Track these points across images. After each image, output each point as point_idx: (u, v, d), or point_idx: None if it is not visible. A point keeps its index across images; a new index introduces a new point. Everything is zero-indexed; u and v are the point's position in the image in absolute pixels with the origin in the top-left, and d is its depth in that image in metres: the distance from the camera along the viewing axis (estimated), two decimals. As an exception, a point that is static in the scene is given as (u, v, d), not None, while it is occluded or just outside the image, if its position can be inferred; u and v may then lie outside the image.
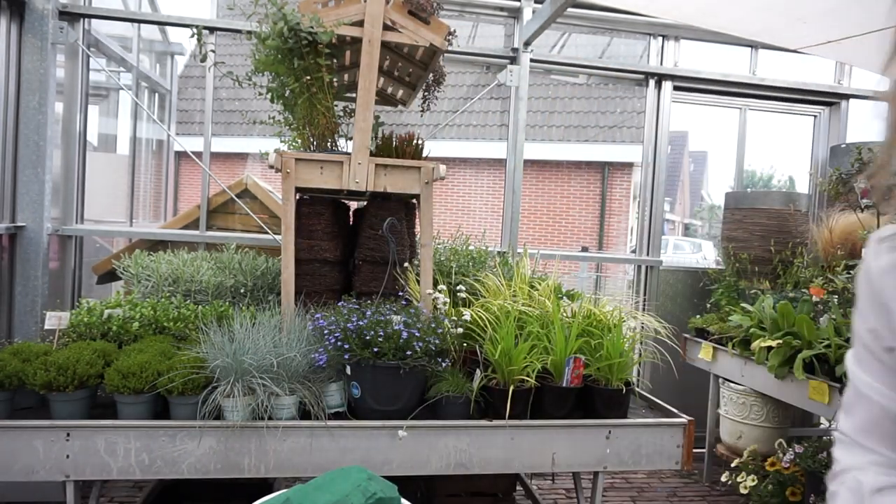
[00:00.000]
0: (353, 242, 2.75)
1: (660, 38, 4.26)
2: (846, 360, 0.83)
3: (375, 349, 2.07)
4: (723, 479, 3.53)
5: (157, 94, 4.82)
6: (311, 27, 2.30)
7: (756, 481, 3.30)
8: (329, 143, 2.62)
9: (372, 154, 2.48)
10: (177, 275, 2.75)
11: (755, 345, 3.24)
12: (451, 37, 2.51)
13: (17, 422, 2.00)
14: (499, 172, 9.88)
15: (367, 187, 2.42)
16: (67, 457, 2.00)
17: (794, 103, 4.59)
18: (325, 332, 2.13)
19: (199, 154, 3.65)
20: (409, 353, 2.08)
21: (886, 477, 0.75)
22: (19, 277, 3.27)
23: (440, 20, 2.49)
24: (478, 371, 2.24)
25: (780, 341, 3.10)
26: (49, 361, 2.04)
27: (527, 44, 3.83)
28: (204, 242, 3.59)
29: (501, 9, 4.00)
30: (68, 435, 2.00)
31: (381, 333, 2.09)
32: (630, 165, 10.25)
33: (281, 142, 2.99)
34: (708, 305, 4.22)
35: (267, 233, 3.55)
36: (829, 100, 4.57)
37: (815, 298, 3.26)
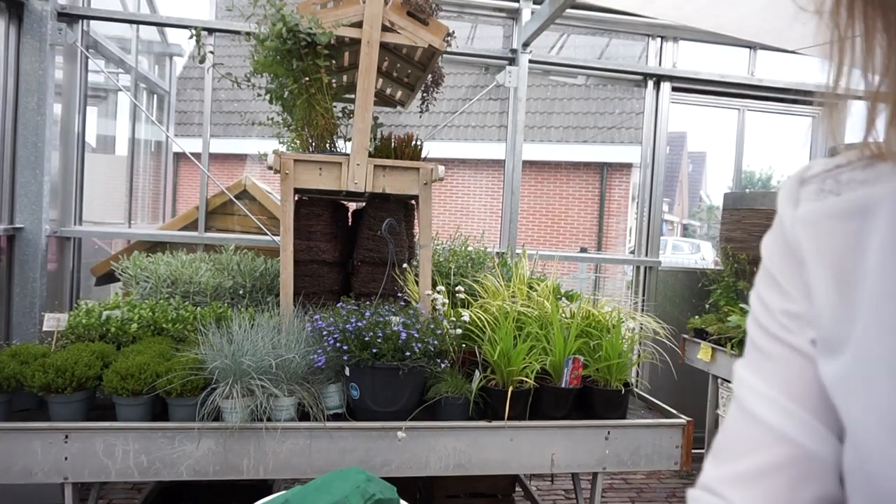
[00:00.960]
0: (352, 243, 2.75)
1: (658, 39, 4.26)
2: (734, 373, 0.55)
3: (374, 350, 2.07)
4: (722, 479, 3.53)
5: (155, 96, 4.82)
6: (310, 28, 2.30)
7: (755, 482, 3.29)
8: (328, 145, 2.62)
9: (371, 155, 2.48)
10: (175, 276, 2.74)
11: (754, 345, 3.24)
12: (449, 38, 2.51)
13: (16, 424, 2.00)
14: (497, 173, 9.87)
15: (365, 188, 2.42)
16: (66, 459, 2.00)
17: (792, 104, 4.60)
18: (324, 333, 2.13)
19: (197, 155, 3.65)
20: (407, 353, 2.07)
21: None
22: (17, 279, 3.26)
23: (439, 21, 2.49)
24: (477, 372, 2.24)
25: (779, 342, 3.11)
26: (47, 363, 2.03)
27: (525, 45, 3.83)
28: (203, 244, 3.59)
29: (500, 10, 4.00)
30: (66, 437, 2.00)
31: (380, 334, 2.09)
32: (629, 166, 10.25)
33: (279, 143, 2.99)
34: (707, 306, 4.22)
35: (266, 234, 3.55)
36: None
37: (813, 299, 3.26)
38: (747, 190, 6.67)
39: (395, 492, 1.08)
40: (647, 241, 4.31)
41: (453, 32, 2.55)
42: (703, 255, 12.17)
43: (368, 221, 2.62)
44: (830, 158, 0.52)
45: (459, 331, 2.30)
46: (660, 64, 4.26)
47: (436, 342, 2.15)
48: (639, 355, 2.72)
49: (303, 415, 2.13)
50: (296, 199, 2.65)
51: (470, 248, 3.06)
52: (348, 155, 2.43)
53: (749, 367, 0.54)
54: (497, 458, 2.23)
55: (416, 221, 2.92)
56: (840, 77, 0.47)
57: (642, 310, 2.75)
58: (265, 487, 2.58)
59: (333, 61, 2.48)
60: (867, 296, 0.45)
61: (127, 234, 3.87)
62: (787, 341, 0.51)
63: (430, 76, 2.90)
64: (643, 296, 4.23)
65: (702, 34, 4.17)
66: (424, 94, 3.00)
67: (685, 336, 4.00)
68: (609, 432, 2.31)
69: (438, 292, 2.42)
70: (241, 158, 10.41)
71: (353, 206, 3.08)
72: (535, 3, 3.90)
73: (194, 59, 2.72)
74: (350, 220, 2.95)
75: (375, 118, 2.87)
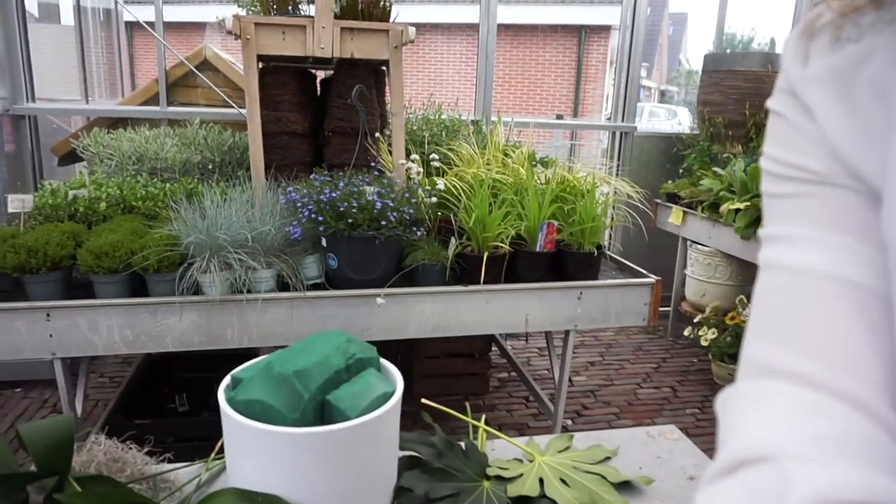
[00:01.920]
0: (322, 114, 2.66)
1: None
2: (761, 237, 0.46)
3: (350, 220, 2.07)
4: (685, 333, 3.75)
5: (96, -45, 4.40)
6: None
7: (716, 334, 3.51)
8: (290, 7, 2.45)
9: (336, 17, 2.34)
10: (140, 153, 2.65)
11: (724, 207, 3.31)
12: None
13: (-5, 304, 2.00)
14: (471, 38, 9.43)
15: (332, 53, 2.30)
16: (51, 336, 2.03)
17: (779, -46, 4.36)
18: (298, 205, 2.12)
19: (151, 24, 3.40)
20: (383, 223, 2.08)
21: (859, 474, 0.31)
22: (-26, 161, 3.14)
23: None
24: (453, 239, 2.27)
25: (748, 203, 3.18)
26: (18, 244, 2.00)
27: None
28: (166, 119, 3.45)
29: None
30: (48, 315, 2.02)
31: (355, 205, 2.08)
32: (607, 29, 9.86)
33: (239, 7, 2.78)
34: (680, 171, 4.25)
35: (231, 106, 3.41)
36: (816, -50, 4.34)
37: (784, 160, 3.29)
38: (727, 51, 6.50)
39: (376, 351, 1.12)
40: (623, 106, 4.24)
41: None
42: (680, 120, 12.08)
43: (338, 89, 2.52)
44: (848, 1, 0.42)
45: (435, 199, 2.29)
46: None
47: (411, 211, 2.16)
48: (612, 219, 2.77)
49: (282, 286, 2.16)
50: (260, 67, 2.52)
51: (444, 116, 2.98)
52: (312, 17, 2.28)
53: (782, 223, 0.44)
54: (474, 320, 2.32)
55: (387, 89, 2.82)
56: None
57: (617, 175, 2.76)
58: (253, 356, 2.68)
59: None
60: None
61: (85, 110, 3.69)
62: (828, 181, 0.42)
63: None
64: (618, 161, 4.23)
65: None
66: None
67: (658, 201, 4.07)
68: (581, 293, 2.40)
69: (413, 161, 2.38)
70: (199, 27, 9.78)
71: (321, 74, 2.95)
72: None
73: None
74: (319, 91, 2.84)
75: (338, -25, 2.66)
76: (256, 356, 1.12)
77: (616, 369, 3.77)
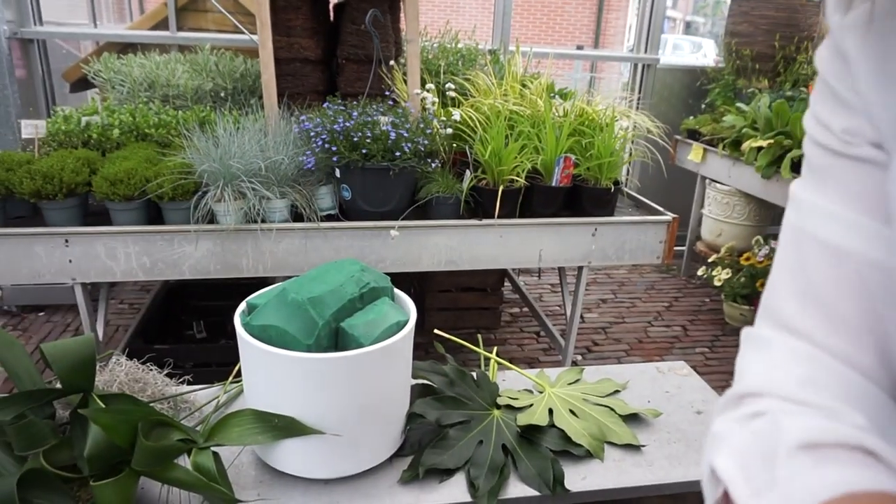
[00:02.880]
0: (335, 40, 2.59)
1: None
2: (790, 195, 0.49)
3: (364, 151, 2.04)
4: (699, 273, 3.74)
5: None
6: None
7: (730, 274, 3.50)
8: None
9: (349, -64, 2.23)
10: (151, 79, 2.61)
11: (746, 145, 3.23)
12: None
13: (15, 230, 2.02)
14: (490, -36, 9.05)
15: (345, -25, 2.21)
16: (70, 261, 2.06)
17: None
18: (312, 134, 2.09)
19: (157, -59, 3.28)
20: (398, 154, 2.05)
21: (830, 424, 0.39)
22: (-14, 86, 3.11)
23: None
24: (467, 172, 2.24)
25: (772, 141, 3.09)
26: (33, 170, 2.01)
27: None
28: (176, 45, 3.38)
29: None
30: (67, 241, 2.04)
31: (369, 135, 2.05)
32: (634, -46, 9.38)
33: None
34: (703, 106, 4.13)
35: (242, 32, 3.32)
36: None
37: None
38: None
39: (389, 281, 1.12)
40: (647, 37, 4.08)
41: None
42: (705, 53, 11.64)
43: (351, 14, 2.44)
44: None
45: (450, 130, 2.25)
46: None
47: (426, 142, 2.12)
48: (630, 154, 2.71)
49: (296, 216, 2.16)
50: (270, -10, 2.43)
51: (460, 45, 2.89)
52: (324, -65, 2.18)
53: (809, 188, 0.47)
54: (487, 254, 2.32)
55: (401, 15, 2.72)
56: None
57: (637, 109, 2.68)
58: (267, 286, 2.72)
59: None
60: None
61: (93, 34, 3.61)
62: (850, 154, 0.45)
63: None
64: (639, 94, 4.12)
65: None
66: None
67: (678, 137, 3.97)
68: (596, 229, 2.38)
69: (428, 91, 2.33)
70: (207, -51, 9.43)
71: (333, 0, 2.85)
72: None
73: None
74: (332, 16, 2.75)
75: None
76: (269, 284, 1.13)
77: (628, 307, 3.79)
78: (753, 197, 3.60)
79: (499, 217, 2.23)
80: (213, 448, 0.88)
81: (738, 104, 3.62)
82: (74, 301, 2.19)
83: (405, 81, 2.40)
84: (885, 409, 0.43)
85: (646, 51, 4.10)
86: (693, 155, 3.79)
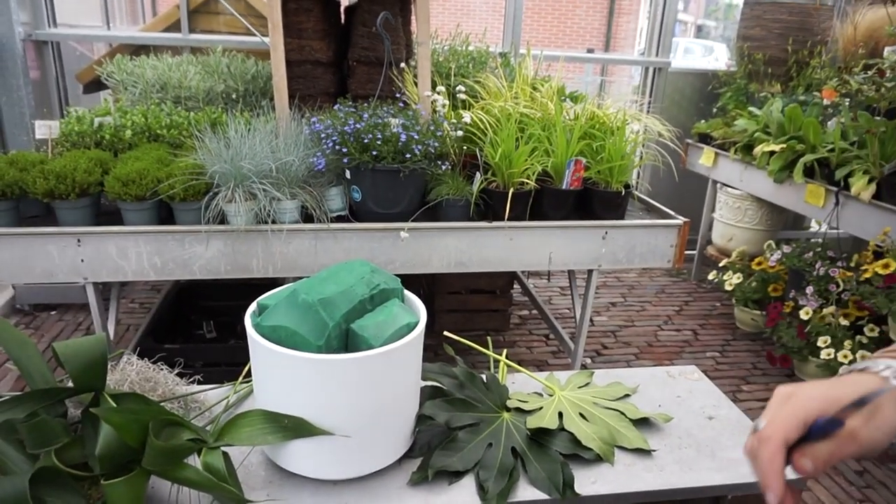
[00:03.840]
0: (346, 43, 2.60)
1: None
2: None
3: (374, 153, 2.05)
4: (710, 277, 3.72)
5: None
6: None
7: (741, 279, 3.47)
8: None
9: (361, -62, 2.24)
10: (164, 80, 2.63)
11: (758, 149, 3.21)
12: None
13: (28, 229, 2.04)
14: (501, -33, 9.05)
15: (357, -22, 2.22)
16: (82, 261, 2.08)
17: None
18: (322, 136, 2.09)
19: (170, -56, 3.30)
20: (408, 156, 2.05)
21: None
22: (1, 89, 3.14)
23: None
24: (478, 174, 2.24)
25: (784, 145, 3.07)
26: (47, 170, 2.02)
27: None
28: (188, 46, 3.40)
29: None
30: (79, 241, 2.05)
31: (380, 137, 2.05)
32: (645, -43, 9.35)
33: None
34: (714, 110, 4.11)
35: (254, 34, 3.34)
36: None
37: (825, 101, 3.16)
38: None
39: (399, 282, 1.12)
40: (658, 40, 4.07)
41: None
42: (717, 57, 11.57)
43: (362, 17, 2.45)
44: None
45: (460, 133, 2.25)
46: None
47: (436, 144, 2.12)
48: (641, 158, 2.70)
49: (306, 217, 2.17)
50: (282, -8, 2.44)
51: (471, 48, 2.89)
52: (336, -62, 2.19)
53: None
54: (497, 257, 2.31)
55: (412, 17, 2.73)
56: None
57: (648, 112, 2.67)
58: (277, 287, 2.72)
59: None
60: None
61: (107, 36, 3.65)
62: None
63: None
64: (650, 98, 4.10)
65: None
66: None
67: (689, 141, 3.95)
68: (606, 232, 2.37)
69: (438, 93, 2.33)
70: (220, -48, 9.49)
71: (345, 1, 2.86)
72: None
73: None
74: (343, 19, 2.76)
75: None
76: (279, 285, 1.13)
77: (637, 311, 3.77)
78: (765, 201, 3.58)
79: (509, 219, 2.23)
80: (222, 448, 0.88)
81: (750, 108, 3.59)
82: (86, 300, 2.20)
83: (416, 84, 2.40)
84: None
85: (657, 54, 4.08)
86: (704, 159, 3.77)
